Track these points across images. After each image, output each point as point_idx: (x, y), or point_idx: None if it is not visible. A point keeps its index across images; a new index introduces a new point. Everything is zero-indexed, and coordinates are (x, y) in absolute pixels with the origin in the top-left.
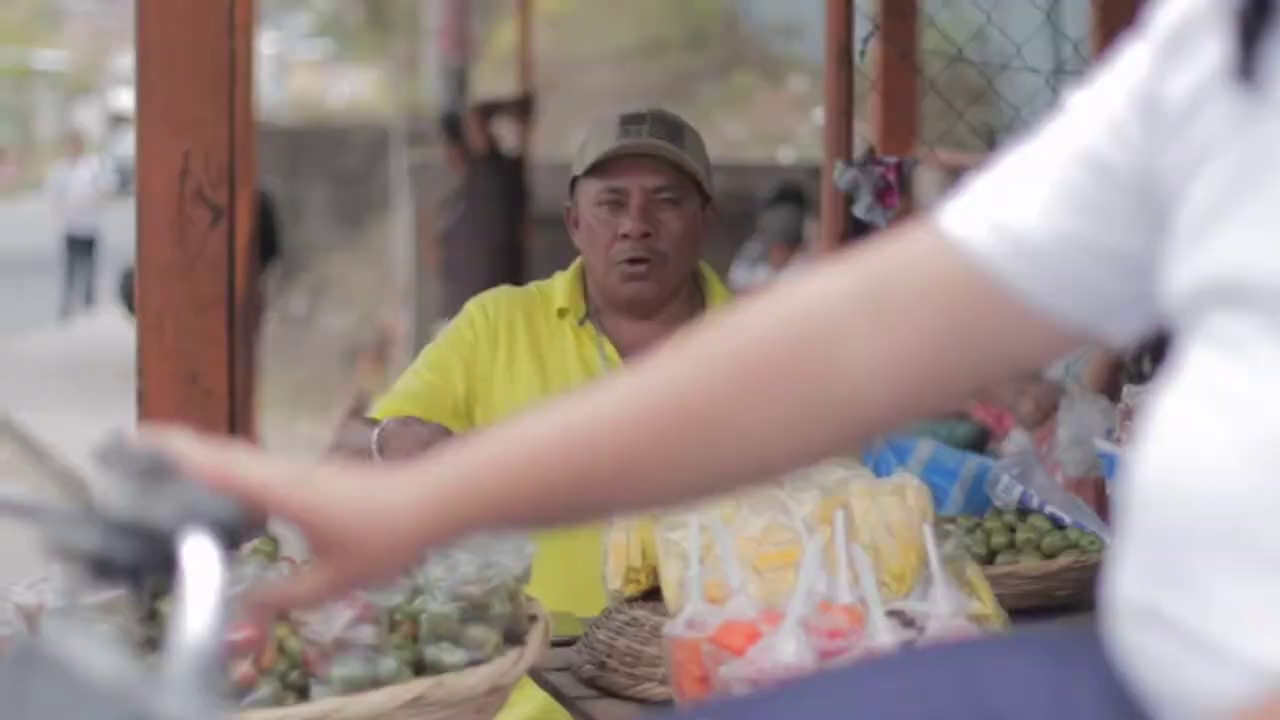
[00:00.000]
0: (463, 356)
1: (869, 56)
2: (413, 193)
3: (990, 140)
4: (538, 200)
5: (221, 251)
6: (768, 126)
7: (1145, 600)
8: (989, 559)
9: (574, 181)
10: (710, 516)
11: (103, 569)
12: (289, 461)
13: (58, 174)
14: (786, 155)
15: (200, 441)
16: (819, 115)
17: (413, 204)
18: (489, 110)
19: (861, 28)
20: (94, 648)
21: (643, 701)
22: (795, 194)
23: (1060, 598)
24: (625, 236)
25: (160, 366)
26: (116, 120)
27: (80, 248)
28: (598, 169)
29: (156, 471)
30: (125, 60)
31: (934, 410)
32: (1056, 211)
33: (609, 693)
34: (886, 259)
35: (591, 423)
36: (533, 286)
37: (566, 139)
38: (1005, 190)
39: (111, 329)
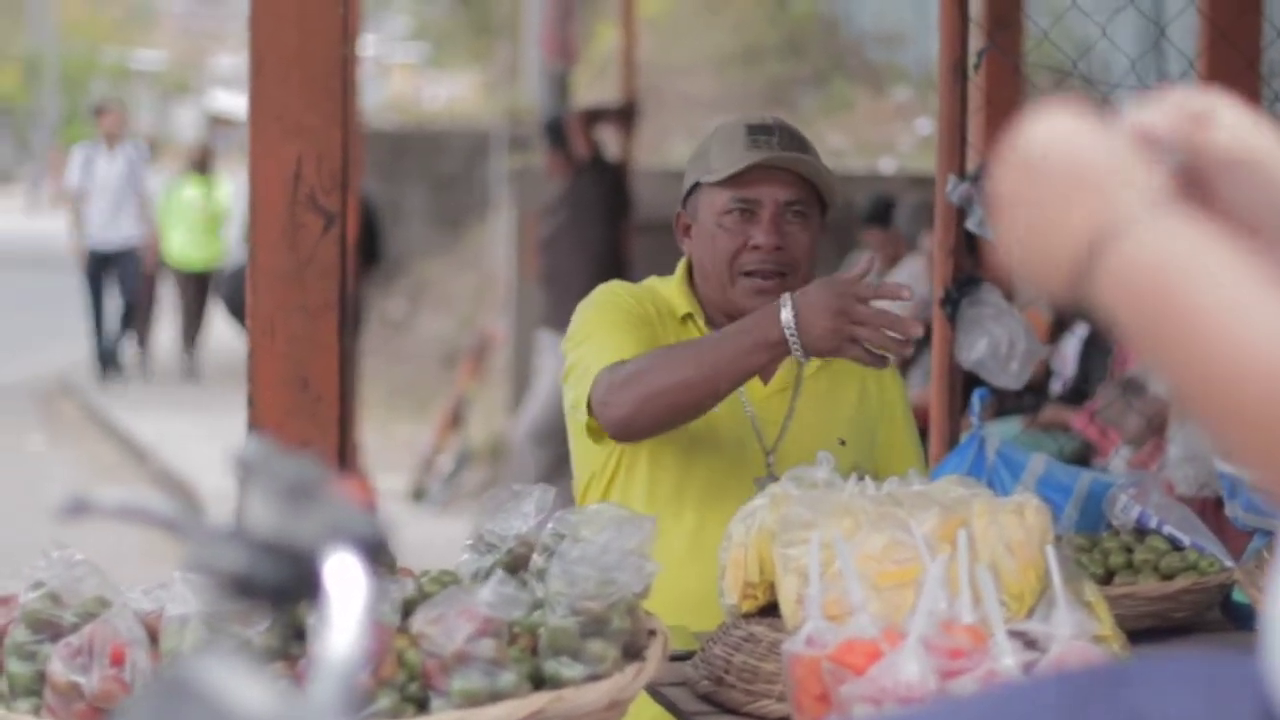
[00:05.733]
0: (634, 311)
1: (980, 70)
2: (514, 198)
3: None
4: (639, 208)
5: (333, 257)
6: (870, 136)
7: None
8: (1106, 579)
9: (693, 188)
10: (831, 533)
11: (246, 589)
12: None
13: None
14: (887, 165)
15: None
16: (922, 125)
17: (514, 209)
18: (593, 117)
19: (974, 41)
20: (240, 675)
21: (760, 718)
22: (884, 212)
23: (1177, 619)
24: (756, 248)
25: (271, 372)
26: (215, 121)
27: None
28: (729, 179)
29: (302, 489)
30: (223, 61)
31: None
32: None
33: (725, 708)
34: None
35: None
36: (641, 286)
37: (665, 146)
38: None
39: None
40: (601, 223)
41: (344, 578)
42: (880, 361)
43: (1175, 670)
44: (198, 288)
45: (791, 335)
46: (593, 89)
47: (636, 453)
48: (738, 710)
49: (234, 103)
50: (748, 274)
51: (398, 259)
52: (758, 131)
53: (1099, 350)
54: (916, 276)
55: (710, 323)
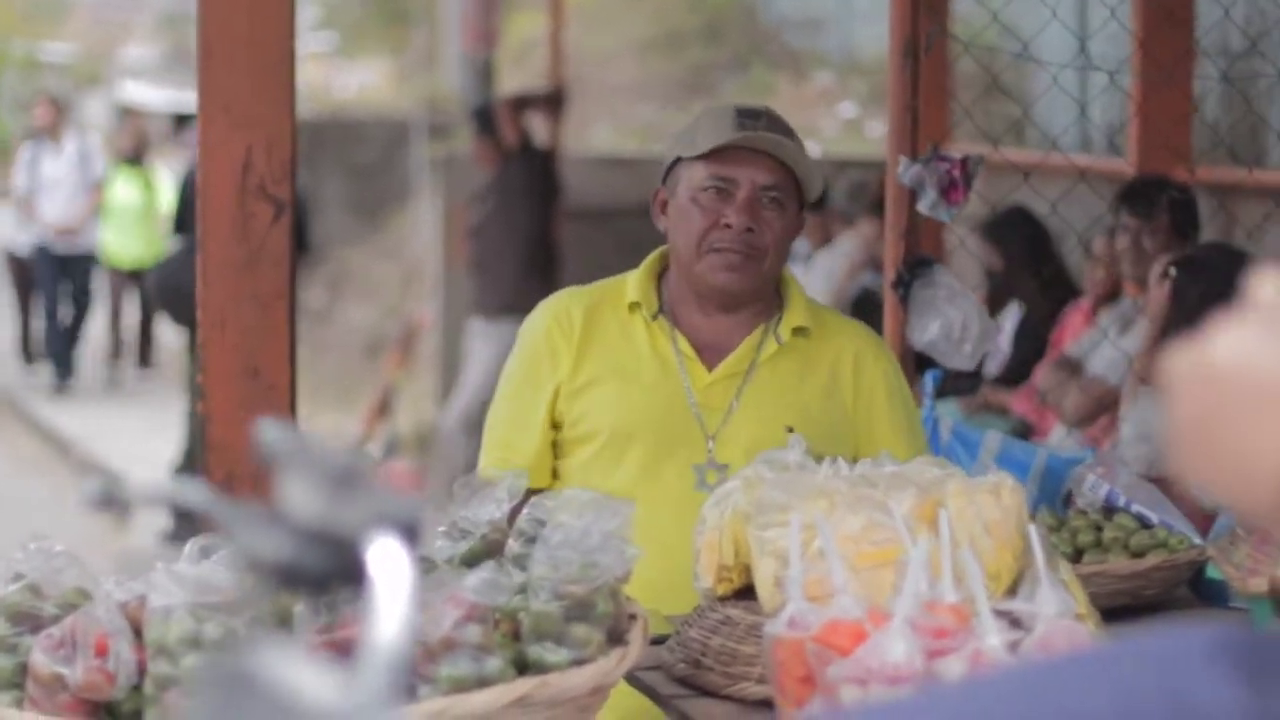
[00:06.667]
0: (541, 371)
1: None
2: (440, 186)
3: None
4: (567, 194)
5: (283, 246)
6: (792, 121)
7: None
8: (1075, 558)
9: (674, 164)
10: (811, 514)
11: (292, 577)
12: None
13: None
14: (811, 150)
15: None
16: (845, 109)
17: (441, 197)
18: (521, 104)
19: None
20: (297, 665)
21: (739, 701)
22: (820, 196)
23: (1148, 597)
24: (727, 226)
25: (222, 362)
26: (125, 112)
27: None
28: (710, 156)
29: (347, 475)
30: (133, 52)
31: None
32: None
33: (704, 691)
34: None
35: None
36: (600, 283)
37: (588, 133)
38: None
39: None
40: (531, 209)
41: (389, 564)
42: None
43: (1218, 648)
44: (136, 288)
45: None
46: (513, 76)
47: (571, 444)
48: (716, 693)
49: (144, 94)
50: (717, 250)
51: (317, 249)
52: (746, 115)
53: (1034, 331)
54: (849, 253)
55: (661, 311)
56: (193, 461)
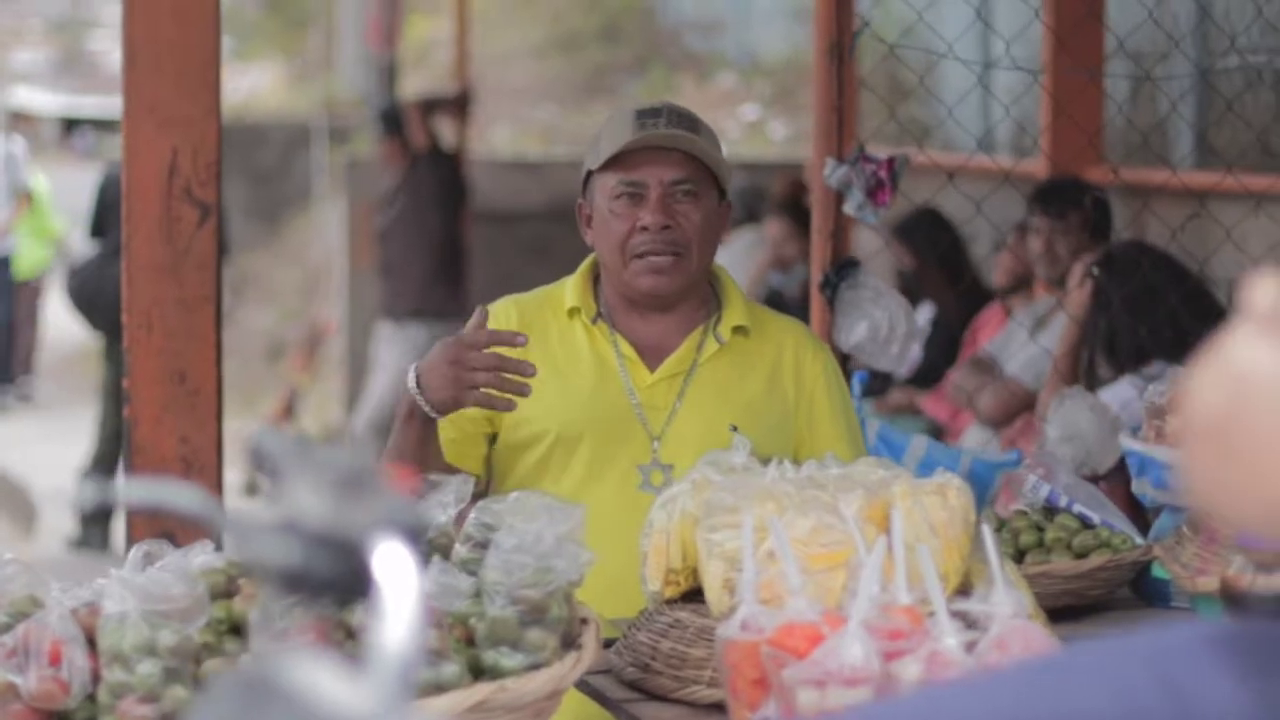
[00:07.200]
0: None
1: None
2: (345, 189)
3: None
4: (473, 196)
5: (209, 249)
6: None
7: None
8: (1018, 558)
9: (587, 177)
10: (766, 516)
11: (300, 583)
12: None
13: None
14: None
15: None
16: (747, 111)
17: (345, 200)
18: (430, 106)
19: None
20: (311, 668)
21: (690, 704)
22: None
23: (1092, 597)
24: (644, 229)
25: (148, 366)
26: (15, 118)
27: None
28: (615, 162)
29: (354, 479)
30: (22, 57)
31: None
32: None
33: (653, 695)
34: None
35: None
36: (539, 290)
37: (488, 135)
38: None
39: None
40: (440, 212)
41: (396, 568)
42: (507, 405)
43: (1218, 644)
44: (26, 297)
45: (418, 396)
46: (413, 78)
47: (515, 449)
48: (666, 697)
49: (34, 99)
50: (639, 255)
51: (232, 252)
52: (645, 115)
53: (946, 331)
54: (737, 255)
55: (600, 315)
56: (103, 466)
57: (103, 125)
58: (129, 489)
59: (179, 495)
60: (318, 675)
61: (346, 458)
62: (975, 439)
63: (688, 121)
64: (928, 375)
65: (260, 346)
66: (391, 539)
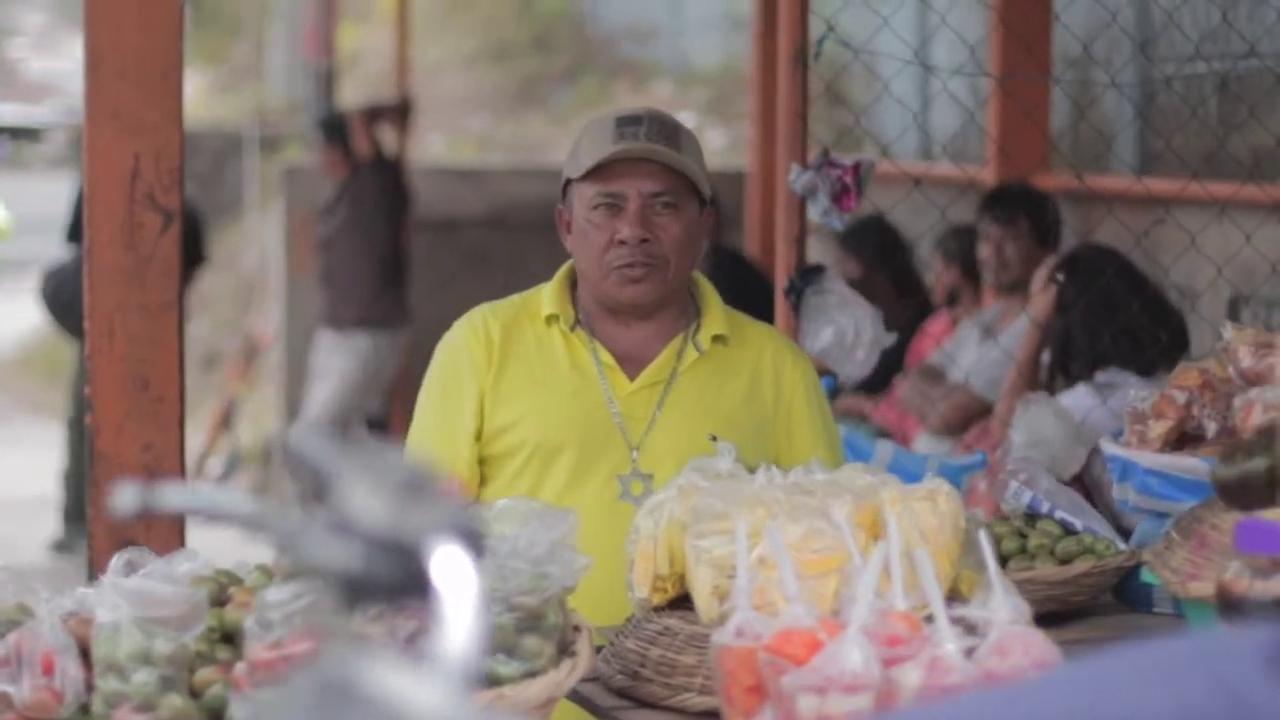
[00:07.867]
0: (463, 382)
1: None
2: (282, 198)
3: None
4: (415, 205)
5: (173, 256)
6: None
7: None
8: (1001, 565)
9: (566, 185)
10: (760, 522)
11: (360, 587)
12: None
13: None
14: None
15: None
16: (684, 119)
17: (284, 208)
18: (374, 114)
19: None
20: (388, 670)
21: (680, 712)
22: None
23: (1076, 603)
24: (622, 242)
25: (110, 373)
26: None
27: None
28: (594, 173)
29: (413, 483)
30: None
31: None
32: None
33: (643, 703)
34: None
35: None
36: (515, 297)
37: (420, 144)
38: None
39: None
40: (383, 220)
41: (455, 572)
42: None
43: (1266, 644)
44: None
45: None
46: (346, 86)
47: (495, 459)
48: (657, 704)
49: None
50: (617, 268)
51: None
52: (625, 124)
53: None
54: None
55: (579, 322)
56: (79, 472)
57: (20, 133)
58: (172, 494)
59: (226, 499)
60: (392, 677)
61: (403, 461)
62: (925, 446)
63: (668, 130)
64: (874, 382)
65: (196, 355)
66: (450, 542)
